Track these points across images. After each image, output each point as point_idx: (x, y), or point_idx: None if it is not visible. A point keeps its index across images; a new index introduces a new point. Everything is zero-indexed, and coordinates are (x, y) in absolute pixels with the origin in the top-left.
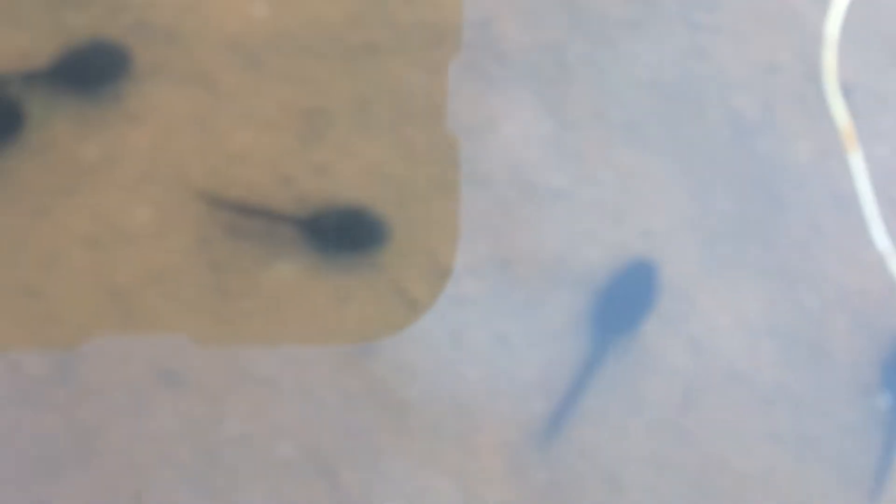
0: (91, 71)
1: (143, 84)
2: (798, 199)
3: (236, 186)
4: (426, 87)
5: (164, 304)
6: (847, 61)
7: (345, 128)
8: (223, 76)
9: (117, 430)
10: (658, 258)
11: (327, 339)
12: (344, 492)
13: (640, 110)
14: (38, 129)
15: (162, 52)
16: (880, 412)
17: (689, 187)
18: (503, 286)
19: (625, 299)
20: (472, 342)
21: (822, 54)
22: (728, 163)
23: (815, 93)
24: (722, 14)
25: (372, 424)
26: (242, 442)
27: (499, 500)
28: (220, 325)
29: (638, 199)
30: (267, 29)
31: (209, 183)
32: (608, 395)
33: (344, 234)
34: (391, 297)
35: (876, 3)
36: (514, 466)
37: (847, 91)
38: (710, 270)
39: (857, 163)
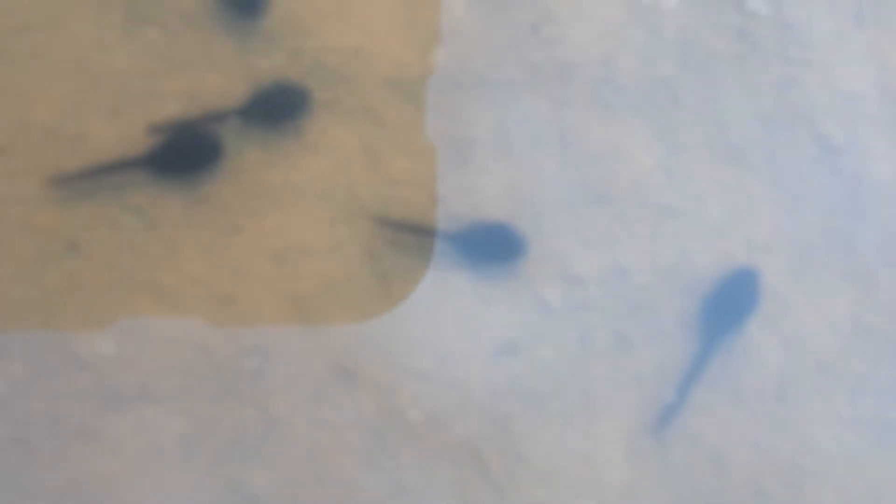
0: (277, 108)
1: (319, 118)
2: (878, 212)
3: (397, 206)
4: (556, 117)
5: (339, 309)
6: None
7: (487, 153)
8: (385, 110)
9: (301, 419)
10: (757, 266)
11: (474, 338)
12: (493, 476)
13: (740, 135)
14: (232, 159)
15: (334, 91)
16: None
17: (784, 203)
18: (624, 292)
19: (729, 303)
20: (596, 341)
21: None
22: (817, 181)
23: (892, 119)
24: (812, 50)
25: (512, 413)
26: (408, 429)
27: (619, 480)
28: (385, 327)
29: (739, 214)
30: (420, 68)
31: (375, 203)
32: (714, 387)
33: (488, 246)
34: (528, 301)
35: None
36: (633, 451)
37: None
38: (801, 276)
39: None
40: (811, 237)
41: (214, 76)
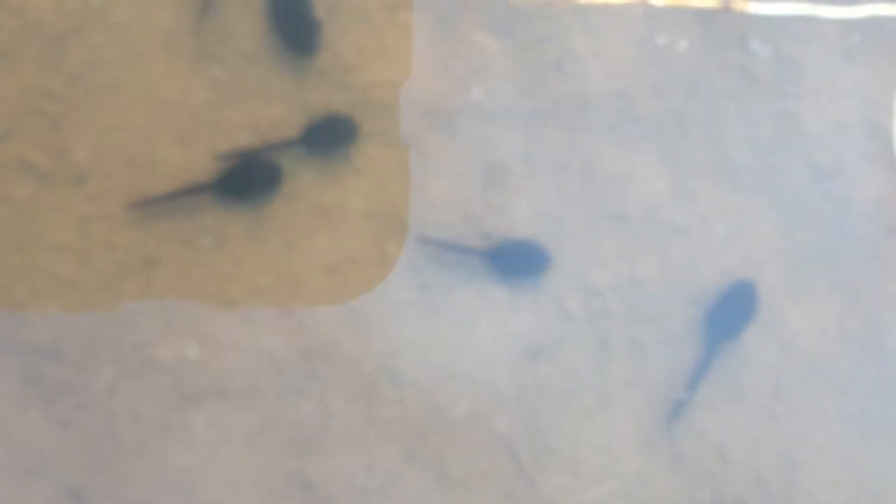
0: (329, 137)
1: (366, 146)
2: (864, 231)
3: (436, 225)
4: (577, 145)
5: (385, 317)
6: None
7: (516, 178)
8: (424, 139)
9: (353, 415)
10: (755, 279)
11: (505, 343)
12: (525, 467)
13: (741, 161)
14: (289, 183)
15: (379, 122)
16: None
17: (780, 222)
18: (637, 301)
19: (730, 312)
20: (613, 345)
21: (883, 118)
22: (809, 202)
23: (877, 148)
24: (806, 85)
25: (538, 407)
26: (449, 425)
27: (634, 467)
28: (426, 332)
29: (740, 232)
30: (456, 101)
31: (416, 222)
32: (717, 386)
33: (516, 261)
34: (552, 310)
35: None
36: (645, 442)
37: None
38: (795, 287)
39: None
40: (803, 253)
41: (273, 108)
